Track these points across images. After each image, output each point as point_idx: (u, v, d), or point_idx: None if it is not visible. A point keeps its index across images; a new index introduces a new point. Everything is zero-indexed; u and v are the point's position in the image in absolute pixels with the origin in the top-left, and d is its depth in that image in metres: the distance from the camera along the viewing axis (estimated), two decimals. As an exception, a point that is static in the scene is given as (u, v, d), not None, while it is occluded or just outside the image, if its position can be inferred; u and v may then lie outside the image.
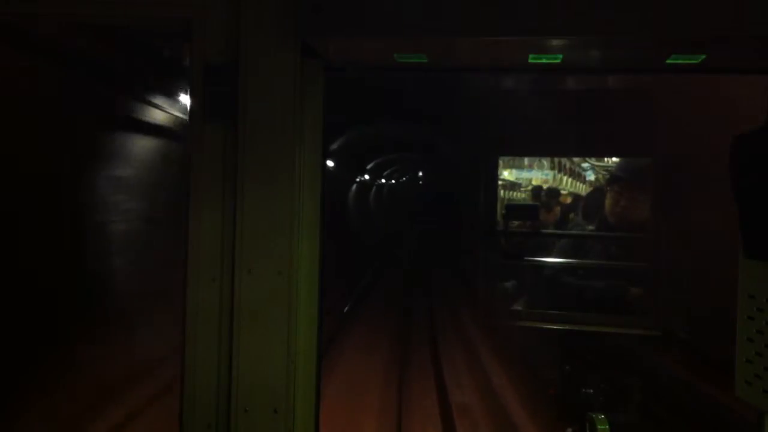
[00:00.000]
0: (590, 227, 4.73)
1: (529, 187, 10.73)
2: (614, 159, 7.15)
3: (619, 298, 4.07)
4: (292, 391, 1.50)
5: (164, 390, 4.09)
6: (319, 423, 1.58)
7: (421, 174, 20.87)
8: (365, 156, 14.17)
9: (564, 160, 10.54)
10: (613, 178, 4.75)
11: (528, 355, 4.81)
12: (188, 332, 1.50)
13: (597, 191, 6.26)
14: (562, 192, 9.09)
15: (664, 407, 3.55)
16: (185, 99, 4.59)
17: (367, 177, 16.38)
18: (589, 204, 5.36)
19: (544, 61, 1.50)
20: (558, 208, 6.71)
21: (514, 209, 5.66)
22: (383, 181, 19.70)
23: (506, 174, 11.15)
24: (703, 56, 1.45)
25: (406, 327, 7.88)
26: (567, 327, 4.14)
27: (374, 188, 18.57)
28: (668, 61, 1.48)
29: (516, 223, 5.45)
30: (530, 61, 1.50)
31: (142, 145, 4.67)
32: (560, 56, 1.48)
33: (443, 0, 1.36)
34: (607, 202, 4.38)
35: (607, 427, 1.78)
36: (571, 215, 5.94)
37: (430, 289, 10.37)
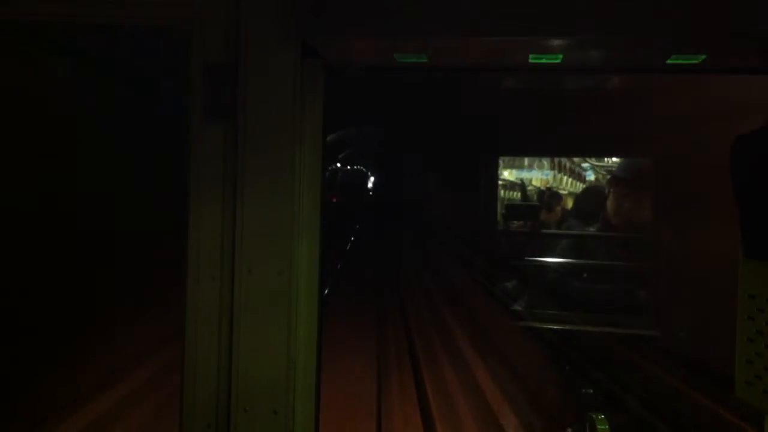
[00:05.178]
0: (591, 228, 4.71)
1: (530, 187, 10.74)
2: (614, 159, 7.14)
3: (627, 301, 4.01)
4: (292, 391, 1.50)
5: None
6: (319, 423, 1.58)
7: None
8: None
9: (564, 160, 10.54)
10: (616, 179, 4.71)
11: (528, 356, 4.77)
12: (188, 332, 1.50)
13: (588, 191, 6.14)
14: (562, 192, 9.09)
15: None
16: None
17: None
18: (580, 205, 5.31)
19: (544, 61, 1.50)
20: (559, 208, 6.70)
21: (515, 209, 5.67)
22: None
23: (506, 174, 11.15)
24: (703, 56, 1.45)
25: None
26: (567, 327, 4.13)
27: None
28: (668, 61, 1.48)
29: (516, 223, 5.46)
30: (530, 61, 1.51)
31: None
32: (560, 56, 1.48)
33: (444, 0, 1.36)
34: (610, 203, 4.35)
35: (607, 427, 1.78)
36: (570, 222, 5.91)
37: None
